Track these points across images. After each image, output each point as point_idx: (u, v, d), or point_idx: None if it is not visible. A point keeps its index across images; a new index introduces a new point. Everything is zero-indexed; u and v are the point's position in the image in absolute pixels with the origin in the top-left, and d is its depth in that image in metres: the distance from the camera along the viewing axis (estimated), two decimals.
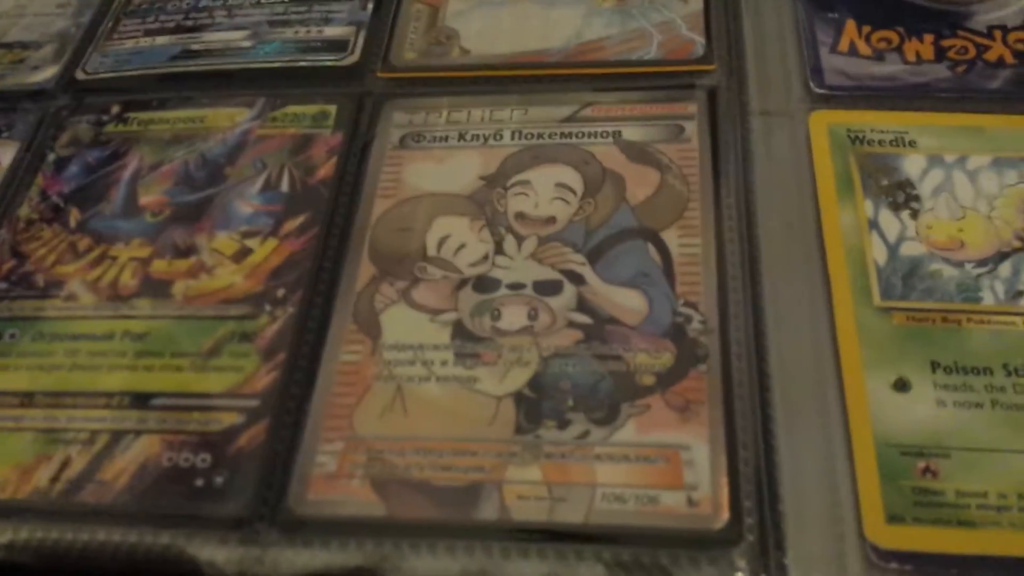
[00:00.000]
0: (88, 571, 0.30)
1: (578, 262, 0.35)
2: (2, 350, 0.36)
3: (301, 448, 0.31)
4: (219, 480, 0.31)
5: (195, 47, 0.45)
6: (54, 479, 0.32)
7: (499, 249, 0.36)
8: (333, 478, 0.31)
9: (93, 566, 0.30)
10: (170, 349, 0.34)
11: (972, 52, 0.42)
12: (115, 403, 0.33)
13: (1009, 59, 0.42)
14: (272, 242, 0.37)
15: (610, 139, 0.39)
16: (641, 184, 0.37)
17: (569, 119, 0.40)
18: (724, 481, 0.29)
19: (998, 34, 0.43)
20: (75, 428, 0.33)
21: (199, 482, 0.31)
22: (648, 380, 0.32)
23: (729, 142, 0.38)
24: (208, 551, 0.30)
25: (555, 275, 0.35)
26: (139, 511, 0.31)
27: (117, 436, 0.32)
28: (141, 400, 0.33)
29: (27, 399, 0.34)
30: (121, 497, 0.31)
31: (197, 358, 0.34)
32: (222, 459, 0.31)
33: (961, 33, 0.43)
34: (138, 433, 0.32)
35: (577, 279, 0.35)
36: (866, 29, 0.43)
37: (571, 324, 0.33)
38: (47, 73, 0.46)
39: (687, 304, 0.33)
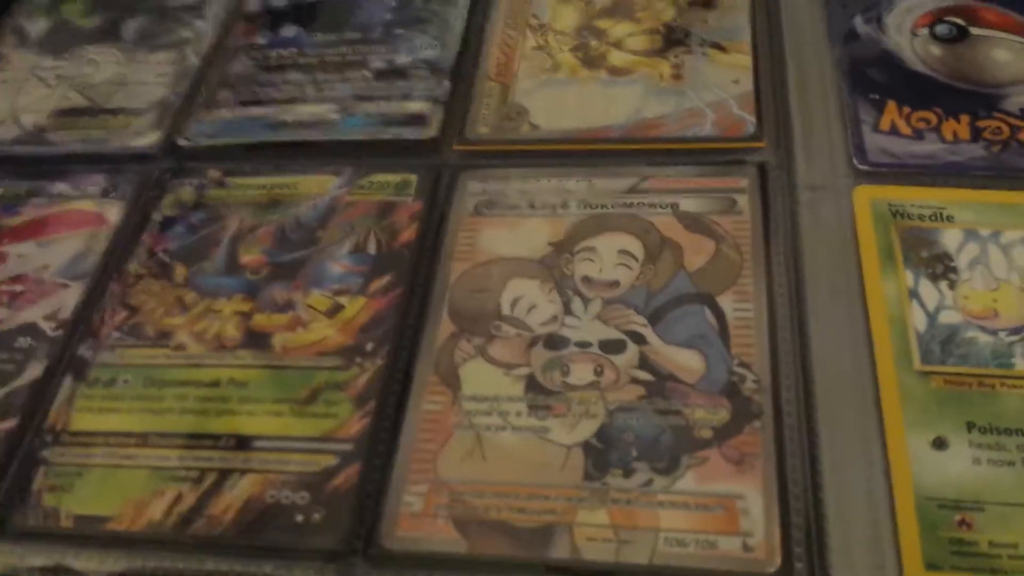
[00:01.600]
0: None
1: (640, 323, 0.38)
2: (117, 394, 0.39)
3: (390, 489, 0.35)
4: (316, 516, 0.34)
5: (286, 118, 0.49)
6: (167, 513, 0.35)
7: (567, 310, 0.39)
8: (419, 516, 0.34)
9: None
10: (271, 396, 0.38)
11: (1007, 132, 0.44)
12: (221, 444, 0.37)
13: None
14: (361, 299, 0.41)
15: (668, 210, 0.42)
16: (697, 252, 0.40)
17: (630, 191, 0.43)
18: (776, 529, 0.32)
19: None
20: (186, 467, 0.36)
21: (299, 518, 0.34)
22: (706, 434, 0.35)
23: (778, 214, 0.41)
24: None
25: (619, 335, 0.38)
26: (244, 543, 0.34)
27: (224, 474, 0.36)
28: (245, 442, 0.37)
29: (141, 439, 0.38)
30: (228, 530, 0.34)
31: (295, 404, 0.37)
32: (319, 497, 0.35)
33: (996, 114, 0.45)
34: (243, 472, 0.36)
35: (639, 339, 0.38)
36: (906, 110, 0.46)
37: (634, 380, 0.37)
38: (150, 139, 0.50)
39: (741, 364, 0.36)
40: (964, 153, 0.44)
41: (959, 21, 0.50)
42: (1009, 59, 0.48)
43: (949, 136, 0.45)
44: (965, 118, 0.45)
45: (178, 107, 0.52)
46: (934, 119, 0.46)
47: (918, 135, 0.45)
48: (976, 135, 0.45)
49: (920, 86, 0.47)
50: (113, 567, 0.34)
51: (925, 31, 0.50)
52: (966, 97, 0.47)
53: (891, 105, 0.46)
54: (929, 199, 0.42)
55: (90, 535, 0.35)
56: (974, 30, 0.50)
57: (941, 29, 0.50)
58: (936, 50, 0.49)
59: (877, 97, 0.47)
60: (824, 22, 0.51)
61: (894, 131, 0.45)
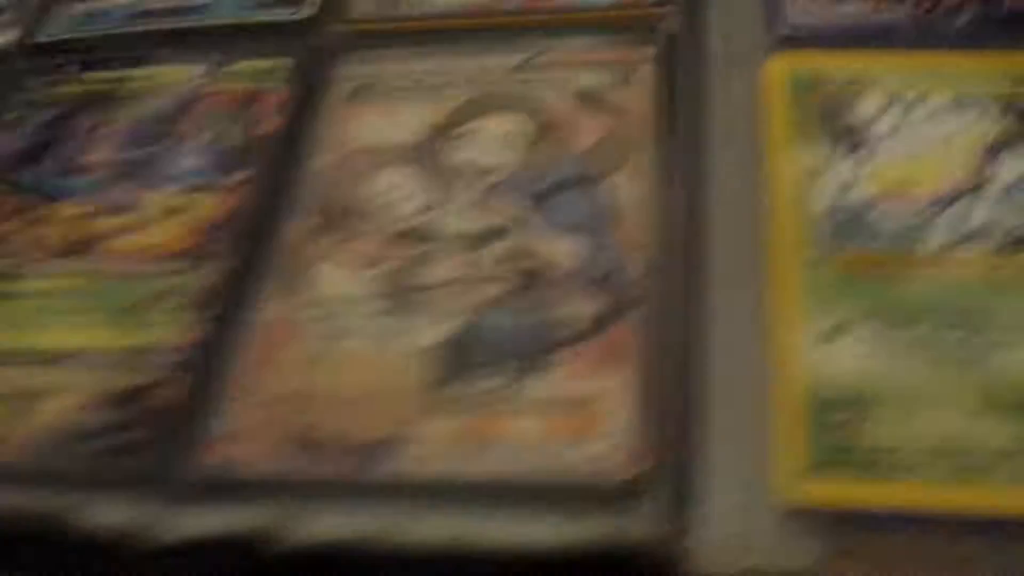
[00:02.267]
0: None
1: (520, 210, 0.34)
2: None
3: (211, 406, 0.30)
4: (126, 437, 0.30)
5: (153, 6, 0.45)
6: None
7: (443, 199, 0.34)
8: (240, 436, 0.30)
9: None
10: (86, 306, 0.34)
11: None
12: (38, 359, 0.33)
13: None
14: (211, 199, 0.36)
15: (560, 86, 0.37)
16: (590, 131, 0.36)
17: (520, 67, 0.38)
18: (638, 431, 0.28)
19: None
20: None
21: (107, 441, 0.30)
22: (575, 329, 0.30)
23: (683, 87, 0.37)
24: (105, 512, 0.29)
25: (496, 223, 0.33)
26: (39, 470, 0.30)
27: (32, 396, 0.32)
28: (61, 356, 0.32)
29: None
30: (25, 456, 0.30)
31: (116, 315, 0.33)
32: (131, 418, 0.30)
33: None
34: (54, 393, 0.31)
35: (517, 226, 0.33)
36: None
37: (503, 276, 0.32)
38: (5, 37, 0.46)
39: (625, 250, 0.32)
40: (890, 15, 0.40)
41: None
42: None
43: None
44: None
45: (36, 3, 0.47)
46: None
47: None
48: None
49: None
50: None
51: None
52: None
53: None
54: (850, 65, 0.38)
55: None
56: None
57: None
58: None
59: None
60: None
61: None
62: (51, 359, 0.33)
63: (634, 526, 0.27)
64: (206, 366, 0.31)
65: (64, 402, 0.31)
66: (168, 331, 0.32)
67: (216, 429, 0.30)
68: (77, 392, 0.31)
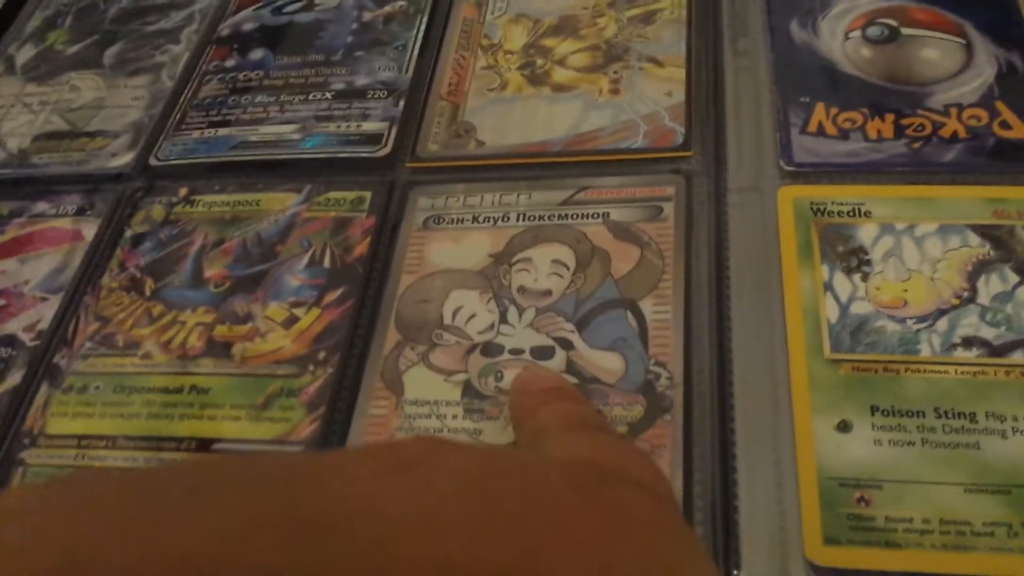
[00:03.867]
0: None
1: (568, 330, 0.41)
2: (89, 400, 0.43)
3: None
4: None
5: (252, 138, 0.53)
6: None
7: (503, 319, 0.42)
8: None
9: None
10: (230, 402, 0.41)
11: (928, 128, 0.47)
12: (183, 446, 0.40)
13: (962, 134, 0.46)
14: (315, 311, 0.44)
15: (600, 219, 0.45)
16: (624, 259, 0.43)
17: (566, 202, 0.46)
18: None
19: (954, 111, 0.47)
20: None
21: None
22: (622, 429, 0.38)
23: (701, 220, 0.44)
24: None
25: (549, 342, 0.41)
26: None
27: None
28: (205, 445, 0.40)
29: (111, 442, 0.41)
30: None
31: (252, 409, 0.41)
32: None
33: (920, 112, 0.48)
34: None
35: (567, 345, 0.41)
36: (834, 111, 0.48)
37: None
38: (124, 159, 0.54)
39: (657, 363, 0.39)
40: (886, 150, 0.46)
41: (891, 22, 0.53)
42: (936, 57, 0.51)
43: (873, 135, 0.47)
44: (890, 117, 0.48)
45: (151, 128, 0.55)
46: (860, 119, 0.48)
47: (843, 135, 0.47)
48: (899, 132, 0.47)
49: (849, 88, 0.50)
50: None
51: (857, 33, 0.52)
52: (893, 96, 0.49)
53: (819, 107, 0.49)
54: (848, 196, 0.45)
55: None
56: (905, 30, 0.52)
57: (873, 31, 0.53)
58: (867, 52, 0.52)
59: (807, 100, 0.49)
60: (763, 29, 0.53)
61: (820, 132, 0.48)
62: (204, 445, 0.40)
63: None
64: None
65: None
66: (292, 426, 0.40)
67: None
68: None
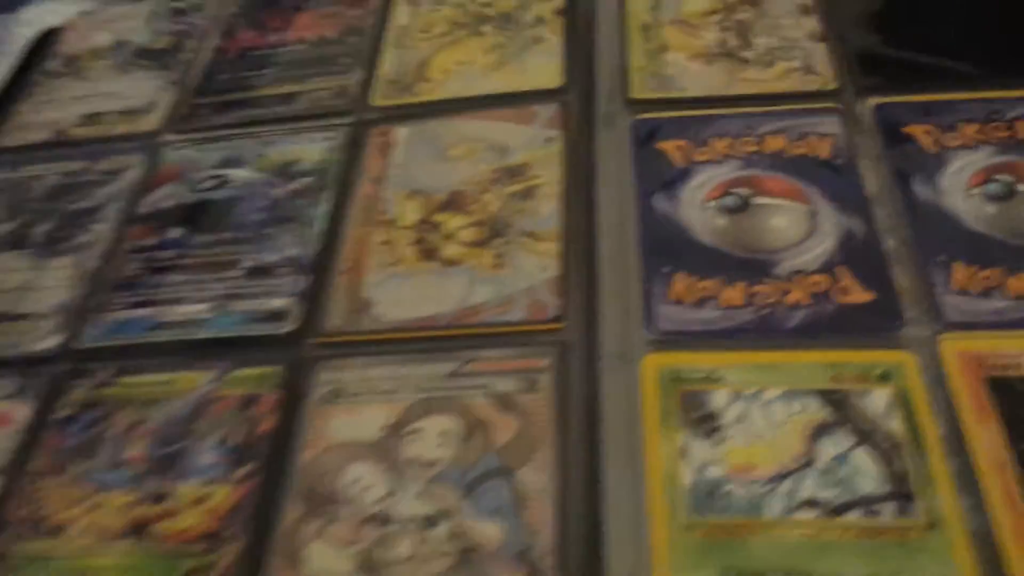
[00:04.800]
0: None
1: (453, 499, 0.46)
2: None
3: None
4: None
5: (168, 319, 0.57)
6: None
7: (396, 488, 0.47)
8: None
9: None
10: None
11: (776, 296, 0.51)
12: None
13: (805, 301, 0.51)
14: (225, 489, 0.48)
15: (482, 391, 0.50)
16: (504, 430, 0.48)
17: (452, 375, 0.51)
18: None
19: (798, 278, 0.52)
20: None
21: None
22: None
23: (575, 390, 0.49)
24: None
25: (434, 511, 0.46)
26: None
27: None
28: None
29: None
30: None
31: None
32: None
33: (767, 280, 0.52)
34: None
35: (451, 514, 0.45)
36: (692, 280, 0.53)
37: (445, 553, 0.44)
38: (50, 342, 0.58)
39: (532, 532, 0.44)
40: (736, 318, 0.51)
41: (744, 191, 0.58)
42: (784, 225, 0.56)
43: (725, 303, 0.52)
44: (741, 285, 0.52)
45: (76, 310, 0.59)
46: (715, 287, 0.53)
47: (700, 304, 0.52)
48: (749, 300, 0.52)
49: (706, 257, 0.54)
50: None
51: (713, 203, 0.57)
52: (744, 265, 0.54)
53: (679, 276, 0.53)
54: (704, 363, 0.49)
55: None
56: (756, 199, 0.58)
57: (728, 200, 0.58)
58: (722, 221, 0.57)
59: (668, 270, 0.54)
60: (633, 201, 0.58)
61: (679, 301, 0.52)
62: None
63: None
64: None
65: None
66: None
67: None
68: None
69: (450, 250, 0.57)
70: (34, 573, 0.47)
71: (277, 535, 0.46)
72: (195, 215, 0.63)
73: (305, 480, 0.48)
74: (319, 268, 0.58)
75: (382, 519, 0.46)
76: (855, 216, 0.55)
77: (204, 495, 0.48)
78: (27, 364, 0.57)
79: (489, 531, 0.44)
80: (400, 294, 0.55)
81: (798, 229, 0.55)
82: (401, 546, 0.44)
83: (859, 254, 0.53)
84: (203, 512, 0.47)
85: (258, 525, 0.47)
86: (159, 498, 0.48)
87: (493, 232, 0.58)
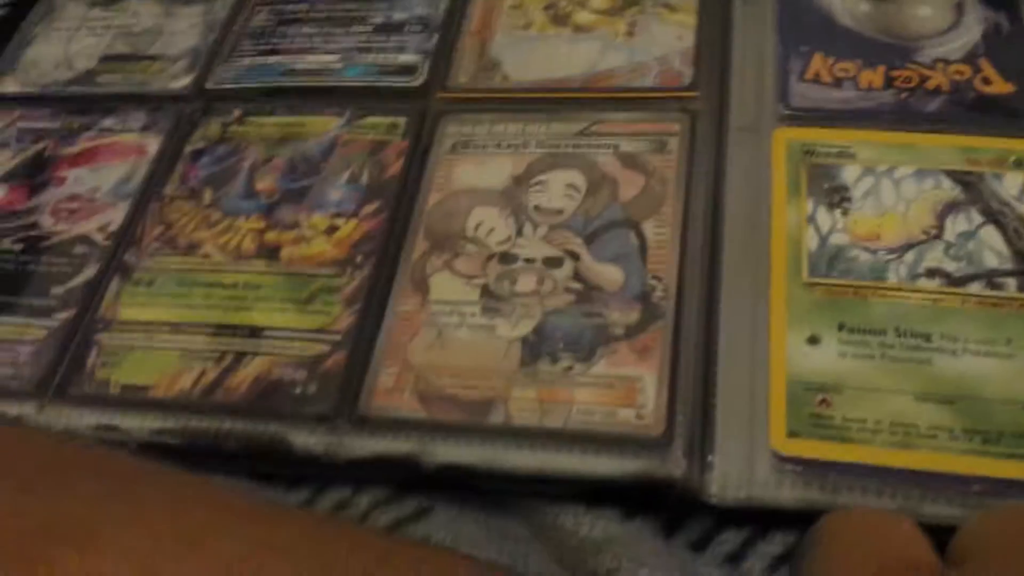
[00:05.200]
0: (217, 451, 0.43)
1: (577, 244, 0.47)
2: (155, 292, 0.49)
3: (369, 370, 0.44)
4: (311, 389, 0.44)
5: (298, 66, 0.58)
6: (194, 384, 0.45)
7: (520, 232, 0.48)
8: (391, 391, 0.43)
9: (221, 447, 0.43)
10: (278, 296, 0.47)
11: (916, 81, 0.51)
12: (238, 332, 0.46)
13: (945, 88, 0.50)
14: (353, 222, 0.50)
15: (610, 150, 0.50)
16: (630, 186, 0.48)
17: (580, 133, 0.51)
18: (664, 403, 0.41)
19: (940, 66, 0.51)
20: (210, 349, 0.46)
21: (297, 391, 0.44)
22: (619, 331, 0.43)
23: (702, 154, 0.49)
24: (302, 439, 0.42)
25: (559, 253, 0.47)
26: (254, 409, 0.44)
27: (239, 356, 0.45)
28: (257, 332, 0.46)
29: (175, 328, 0.47)
30: (242, 399, 0.44)
31: (298, 303, 0.47)
32: (314, 375, 0.44)
33: (910, 65, 0.52)
34: (254, 355, 0.45)
35: (575, 257, 0.46)
36: (830, 61, 0.53)
37: (567, 290, 0.45)
38: (183, 82, 0.59)
39: (655, 277, 0.45)
40: (875, 99, 0.50)
41: None
42: (930, 14, 0.54)
43: (864, 84, 0.51)
44: (881, 68, 0.52)
45: (207, 54, 0.60)
46: (854, 69, 0.52)
47: (837, 83, 0.51)
48: (888, 83, 0.51)
49: (846, 39, 0.53)
50: (151, 426, 0.44)
51: None
52: (886, 49, 0.53)
53: (817, 57, 0.53)
54: (837, 140, 0.49)
55: (133, 400, 0.45)
56: None
57: None
58: (865, 7, 0.56)
59: (806, 49, 0.53)
60: None
61: (817, 80, 0.52)
62: (255, 332, 0.46)
63: (665, 464, 0.40)
64: (362, 343, 0.45)
65: (266, 362, 0.45)
66: (332, 318, 0.46)
67: (377, 385, 0.43)
68: (275, 356, 0.45)
69: (582, 16, 0.57)
70: (170, 282, 0.49)
71: (405, 264, 0.47)
72: None
73: (432, 220, 0.49)
74: (448, 27, 0.58)
75: (506, 258, 0.47)
76: (1001, 11, 0.54)
77: (334, 226, 0.49)
78: (158, 101, 0.58)
79: (611, 273, 0.45)
80: (529, 56, 0.55)
81: (943, 19, 0.54)
82: (525, 281, 0.45)
83: (1003, 48, 0.52)
84: (333, 241, 0.49)
85: (386, 255, 0.48)
86: (291, 226, 0.50)
87: (627, 1, 0.57)
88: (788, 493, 0.39)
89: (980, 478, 0.38)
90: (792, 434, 0.40)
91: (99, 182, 0.54)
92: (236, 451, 0.43)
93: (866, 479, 0.39)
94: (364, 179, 0.51)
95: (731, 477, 0.39)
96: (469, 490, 0.42)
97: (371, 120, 0.54)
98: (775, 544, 0.39)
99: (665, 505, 0.40)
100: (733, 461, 0.40)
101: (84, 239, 0.52)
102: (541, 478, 0.40)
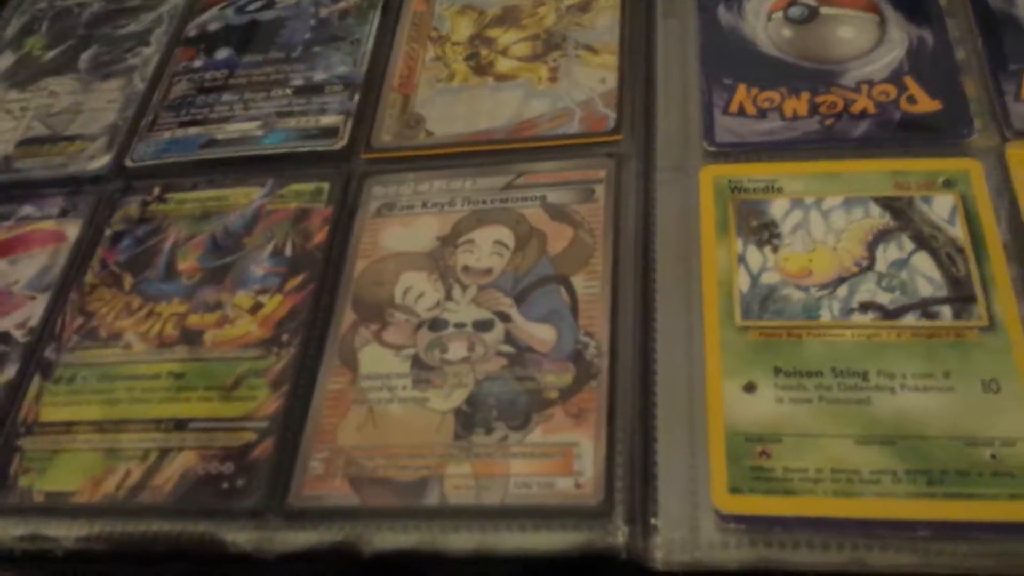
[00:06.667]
0: (145, 555, 0.42)
1: (507, 304, 0.46)
2: (77, 389, 0.47)
3: (299, 457, 0.42)
4: (240, 483, 0.42)
5: (218, 136, 0.57)
6: (119, 486, 0.43)
7: (448, 296, 0.46)
8: (322, 478, 0.42)
9: (149, 551, 0.42)
10: (202, 384, 0.46)
11: (840, 106, 0.50)
12: (162, 427, 0.45)
13: (871, 110, 0.49)
14: (279, 297, 0.48)
15: (537, 202, 0.49)
16: (559, 238, 0.47)
17: (506, 187, 0.50)
18: (602, 469, 0.40)
19: (865, 88, 0.51)
20: (133, 447, 0.44)
21: (225, 484, 0.42)
22: (553, 394, 0.42)
23: (629, 200, 0.48)
24: (232, 535, 0.41)
25: (489, 315, 0.45)
26: (182, 508, 0.42)
27: (164, 452, 0.44)
28: (182, 424, 0.45)
29: (97, 426, 0.45)
30: (168, 498, 0.42)
31: (222, 391, 0.45)
32: (242, 467, 0.43)
33: (834, 89, 0.51)
34: (180, 449, 0.44)
35: (505, 318, 0.45)
36: (754, 91, 0.52)
37: (499, 354, 0.44)
38: (101, 161, 0.58)
39: (586, 334, 0.44)
40: (800, 128, 0.49)
41: (811, 2, 0.56)
42: (852, 35, 0.54)
43: (789, 113, 0.50)
44: (805, 95, 0.51)
45: (126, 131, 0.59)
46: (778, 98, 0.51)
47: (762, 114, 0.50)
48: (813, 110, 0.50)
49: (769, 68, 0.53)
50: (77, 533, 0.42)
51: (779, 14, 0.55)
52: (809, 75, 0.52)
53: (741, 88, 0.52)
54: (763, 173, 0.48)
55: (57, 508, 0.43)
56: (823, 10, 0.55)
57: (793, 11, 0.56)
58: (787, 32, 0.55)
59: (730, 81, 0.52)
60: (695, 13, 0.56)
61: (741, 112, 0.51)
62: (180, 425, 0.45)
63: (608, 534, 0.38)
64: (290, 429, 0.43)
65: (192, 456, 0.43)
66: (258, 403, 0.44)
67: (307, 473, 0.42)
68: (202, 449, 0.43)
69: (504, 64, 0.56)
70: (92, 378, 0.47)
71: (333, 340, 0.46)
72: (243, 36, 0.62)
73: (359, 289, 0.48)
74: (369, 85, 0.57)
75: (435, 324, 0.45)
76: (925, 25, 0.53)
77: (259, 303, 0.48)
78: (77, 183, 0.57)
79: (543, 333, 0.44)
80: (453, 110, 0.54)
81: (866, 39, 0.53)
82: (456, 348, 0.44)
83: (927, 64, 0.51)
84: (258, 319, 0.47)
85: (313, 330, 0.46)
86: (214, 307, 0.48)
87: (549, 46, 0.56)
88: (734, 554, 0.38)
89: (926, 523, 0.37)
90: (734, 490, 0.39)
91: (17, 275, 0.52)
92: (166, 553, 0.41)
93: (811, 533, 0.38)
94: (288, 251, 0.50)
95: (675, 542, 0.38)
96: None
97: (294, 187, 0.53)
98: None
99: (612, 574, 0.39)
100: (676, 524, 0.39)
101: (3, 336, 0.50)
102: (483, 558, 0.39)
